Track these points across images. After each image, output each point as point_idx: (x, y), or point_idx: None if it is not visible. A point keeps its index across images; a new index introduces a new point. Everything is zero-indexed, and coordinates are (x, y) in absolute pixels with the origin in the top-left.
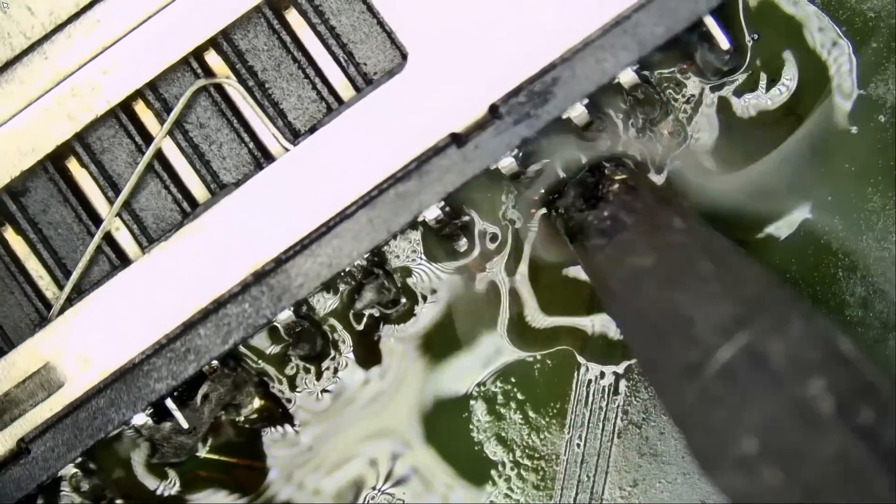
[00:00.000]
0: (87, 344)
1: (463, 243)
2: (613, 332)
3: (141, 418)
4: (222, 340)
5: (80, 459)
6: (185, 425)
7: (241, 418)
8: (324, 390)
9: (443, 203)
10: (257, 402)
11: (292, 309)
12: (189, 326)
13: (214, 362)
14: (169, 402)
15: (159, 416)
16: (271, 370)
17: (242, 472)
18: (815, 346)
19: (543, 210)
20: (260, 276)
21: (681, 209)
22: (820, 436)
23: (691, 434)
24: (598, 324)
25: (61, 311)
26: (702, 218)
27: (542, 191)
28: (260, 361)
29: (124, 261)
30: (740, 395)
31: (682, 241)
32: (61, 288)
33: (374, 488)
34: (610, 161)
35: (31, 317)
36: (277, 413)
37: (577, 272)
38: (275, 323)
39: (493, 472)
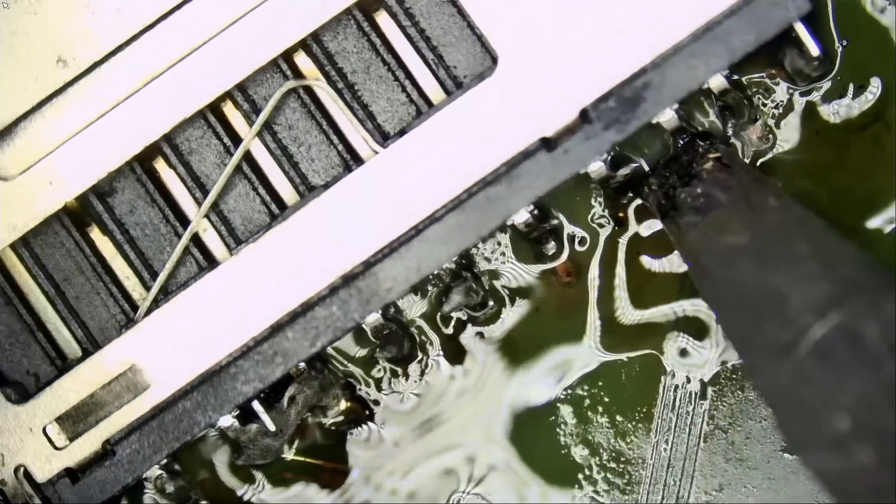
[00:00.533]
0: (173, 346)
1: (551, 246)
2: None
3: (227, 420)
4: (310, 343)
5: (165, 461)
6: (272, 428)
7: (328, 420)
8: (411, 392)
9: (532, 207)
10: (344, 404)
11: (380, 312)
12: (277, 329)
13: (301, 364)
14: (256, 405)
15: (245, 418)
16: (358, 372)
17: (328, 473)
18: None
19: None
20: (348, 279)
21: (775, 188)
22: None
23: (784, 413)
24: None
25: (148, 312)
26: (796, 198)
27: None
28: (347, 363)
29: (212, 262)
30: (834, 374)
31: (777, 219)
32: (148, 289)
33: (461, 490)
34: (704, 139)
35: (117, 318)
36: (364, 415)
37: (665, 270)
38: (363, 326)
39: (579, 476)
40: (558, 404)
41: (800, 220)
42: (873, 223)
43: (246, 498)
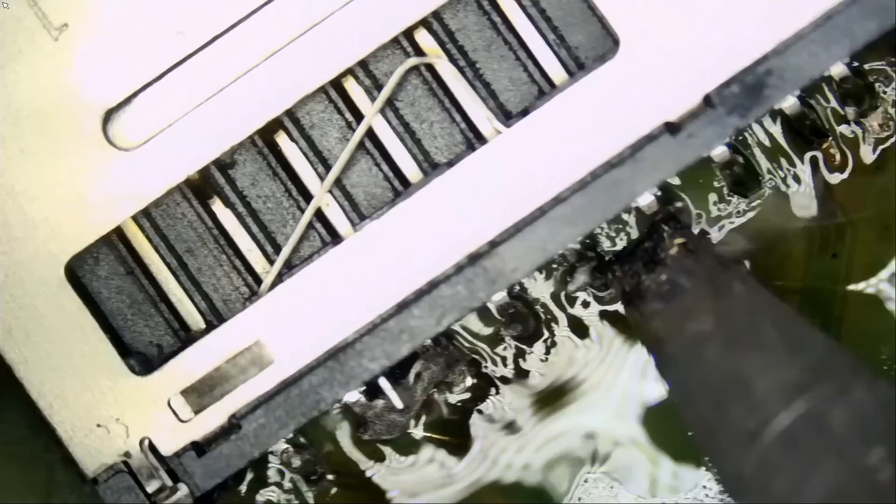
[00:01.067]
0: (298, 321)
1: (675, 228)
2: None
3: (353, 396)
4: (436, 322)
5: (291, 436)
6: (399, 404)
7: (453, 397)
8: (536, 370)
9: (656, 189)
10: (469, 381)
11: (506, 291)
12: (403, 307)
13: (427, 341)
14: (383, 382)
15: (371, 394)
16: (484, 349)
17: (453, 449)
18: (877, 414)
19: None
20: (474, 258)
21: (740, 274)
22: None
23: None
24: None
25: (272, 286)
26: (761, 283)
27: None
28: (472, 340)
29: (335, 238)
30: (800, 462)
31: (744, 305)
32: (271, 263)
33: (587, 469)
34: (669, 223)
35: (240, 291)
36: (489, 392)
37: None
38: (488, 304)
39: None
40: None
41: (766, 306)
42: None
43: (373, 473)
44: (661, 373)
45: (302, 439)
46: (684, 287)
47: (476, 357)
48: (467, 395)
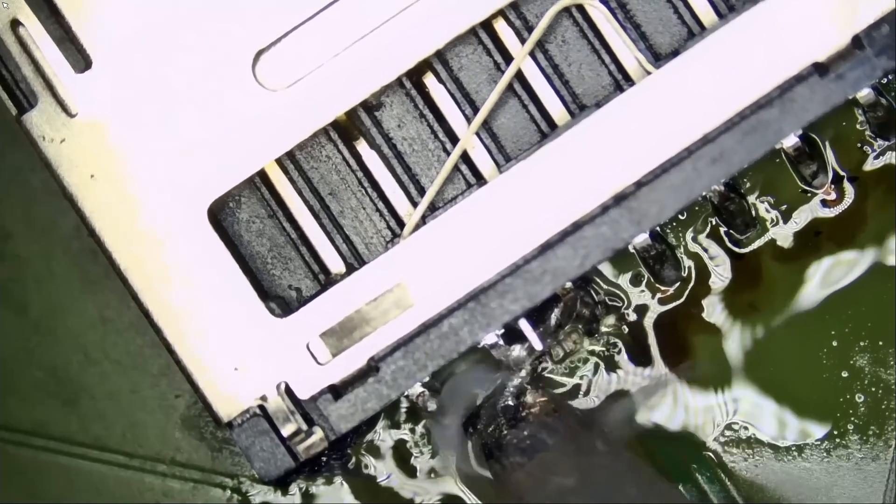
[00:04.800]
0: (440, 263)
1: (814, 169)
2: None
3: (491, 338)
4: (580, 263)
5: (427, 379)
6: (539, 346)
7: (591, 340)
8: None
9: (801, 132)
10: (607, 324)
11: (648, 232)
12: (546, 248)
13: (568, 283)
14: (523, 323)
15: (509, 338)
16: (623, 291)
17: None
18: None
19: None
20: (620, 199)
21: (603, 434)
22: None
23: None
24: None
25: (414, 228)
26: (624, 444)
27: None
28: (611, 282)
29: (480, 180)
30: None
31: (607, 463)
32: (415, 205)
33: (722, 417)
34: (531, 384)
35: (382, 234)
36: (626, 335)
37: None
38: (630, 246)
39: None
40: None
41: (628, 466)
42: None
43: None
44: None
45: (437, 384)
46: (547, 443)
47: (615, 300)
48: (605, 339)
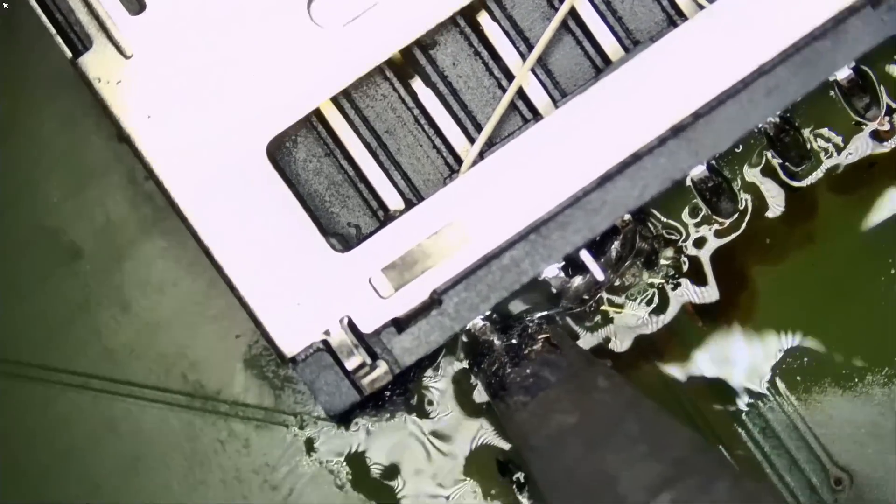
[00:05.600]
0: (498, 197)
1: (867, 102)
2: None
3: (552, 271)
4: (639, 194)
5: (489, 312)
6: (601, 277)
7: (650, 272)
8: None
9: (854, 64)
10: (666, 256)
11: (705, 164)
12: (605, 179)
13: (627, 216)
14: (584, 254)
15: (568, 269)
16: (681, 224)
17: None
18: None
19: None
20: (678, 130)
21: (605, 369)
22: None
23: None
24: None
25: (472, 164)
26: (626, 379)
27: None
28: (669, 215)
29: (536, 115)
30: None
31: (608, 399)
32: (471, 141)
33: (785, 344)
34: (533, 320)
35: (440, 170)
36: (683, 267)
37: None
38: (687, 178)
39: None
40: (877, 257)
41: (630, 401)
42: None
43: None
44: (526, 464)
45: (496, 316)
46: (549, 380)
47: (673, 233)
48: (664, 271)
